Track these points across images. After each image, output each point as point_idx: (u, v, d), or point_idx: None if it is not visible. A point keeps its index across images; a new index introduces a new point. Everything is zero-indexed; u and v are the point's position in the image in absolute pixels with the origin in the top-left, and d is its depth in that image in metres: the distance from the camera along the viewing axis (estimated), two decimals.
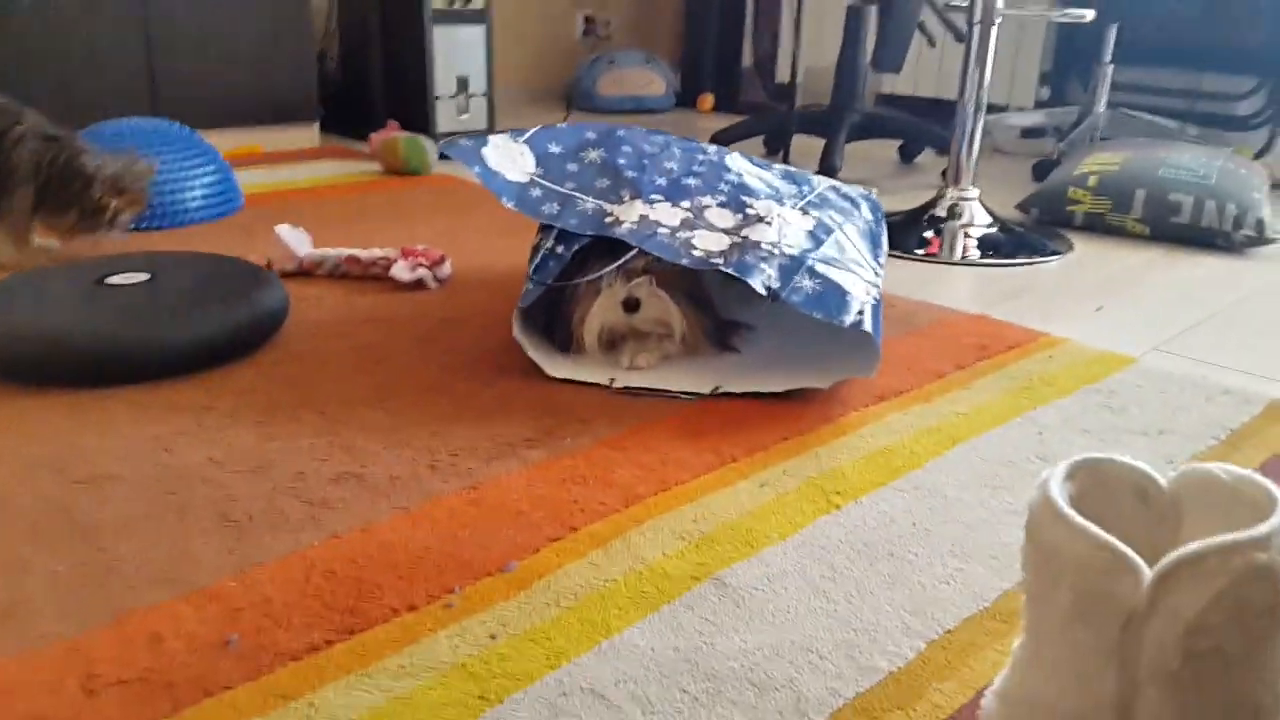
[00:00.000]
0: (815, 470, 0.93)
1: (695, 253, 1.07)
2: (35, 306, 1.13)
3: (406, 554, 0.78)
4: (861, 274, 1.11)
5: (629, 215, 1.11)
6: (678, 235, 1.09)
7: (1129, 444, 1.00)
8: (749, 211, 1.14)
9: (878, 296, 1.10)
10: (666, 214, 1.13)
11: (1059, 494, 0.53)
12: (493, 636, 0.69)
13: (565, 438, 0.99)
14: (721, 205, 1.15)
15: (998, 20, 1.69)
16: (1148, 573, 0.49)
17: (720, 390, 1.09)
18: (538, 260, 1.14)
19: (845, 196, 1.29)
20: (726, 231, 1.11)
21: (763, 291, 1.04)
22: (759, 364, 1.16)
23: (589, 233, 1.11)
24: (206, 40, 2.30)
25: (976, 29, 1.71)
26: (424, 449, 0.96)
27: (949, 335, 1.30)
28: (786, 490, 0.89)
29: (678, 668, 0.66)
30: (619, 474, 0.92)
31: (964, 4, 1.73)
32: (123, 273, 1.22)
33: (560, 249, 1.13)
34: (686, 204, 1.15)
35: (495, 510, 0.85)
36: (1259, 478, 0.52)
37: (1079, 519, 0.51)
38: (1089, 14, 1.66)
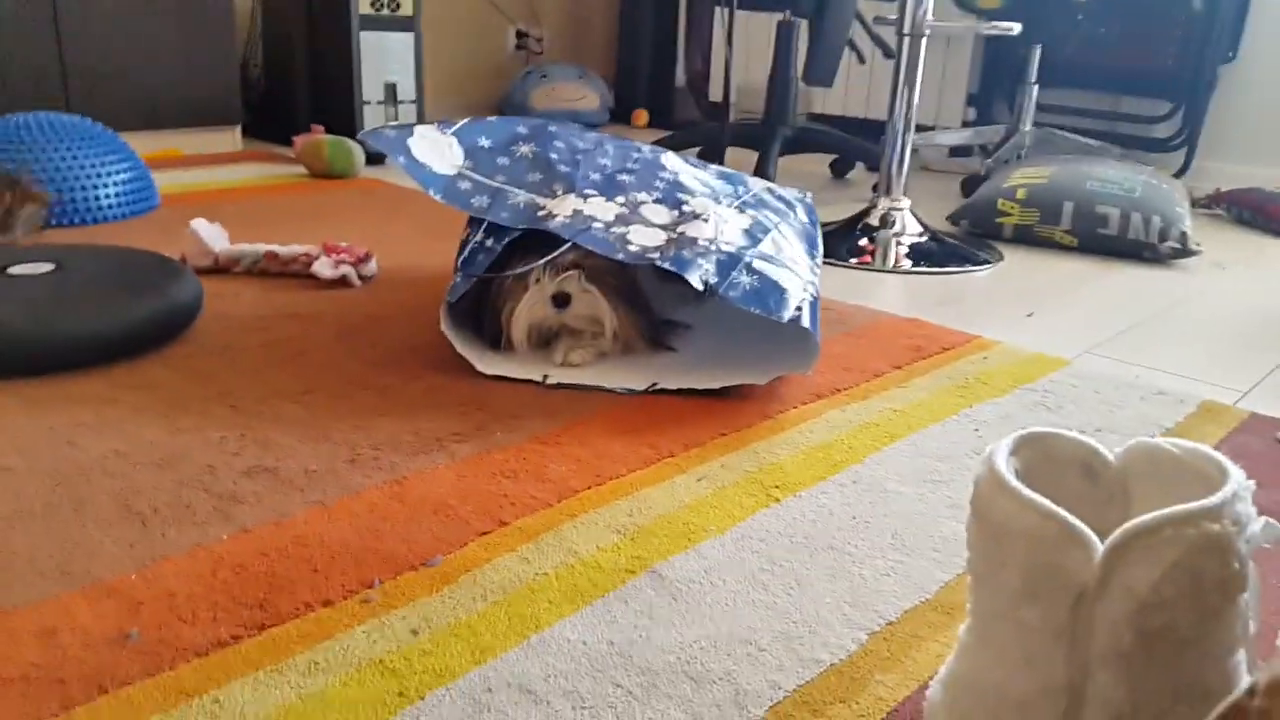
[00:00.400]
0: (754, 465, 0.90)
1: (631, 248, 1.05)
2: None
3: (322, 548, 0.74)
4: (798, 271, 1.09)
5: (562, 209, 1.08)
6: (613, 230, 1.07)
7: None
8: (685, 208, 1.12)
9: (815, 294, 1.09)
10: (601, 209, 1.10)
11: (1005, 467, 0.51)
12: (414, 632, 0.65)
13: (496, 433, 0.95)
14: (657, 202, 1.13)
15: (927, 33, 1.71)
16: (1099, 546, 0.47)
17: (656, 387, 1.06)
18: (466, 253, 1.11)
19: (780, 198, 1.28)
20: (663, 227, 1.09)
21: (700, 287, 1.01)
22: (696, 362, 1.13)
23: (521, 226, 1.07)
24: (123, 41, 2.22)
25: (906, 42, 1.73)
26: (343, 443, 0.91)
27: (884, 337, 1.29)
28: (724, 484, 0.86)
29: (611, 662, 0.63)
30: (552, 469, 0.88)
31: (893, 18, 1.75)
32: (26, 263, 1.15)
33: (490, 242, 1.10)
34: (621, 199, 1.12)
35: (419, 505, 0.81)
36: (1208, 450, 0.51)
37: (1027, 491, 0.49)
38: (1015, 26, 1.69)
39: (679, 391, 1.06)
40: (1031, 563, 0.49)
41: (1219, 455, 0.51)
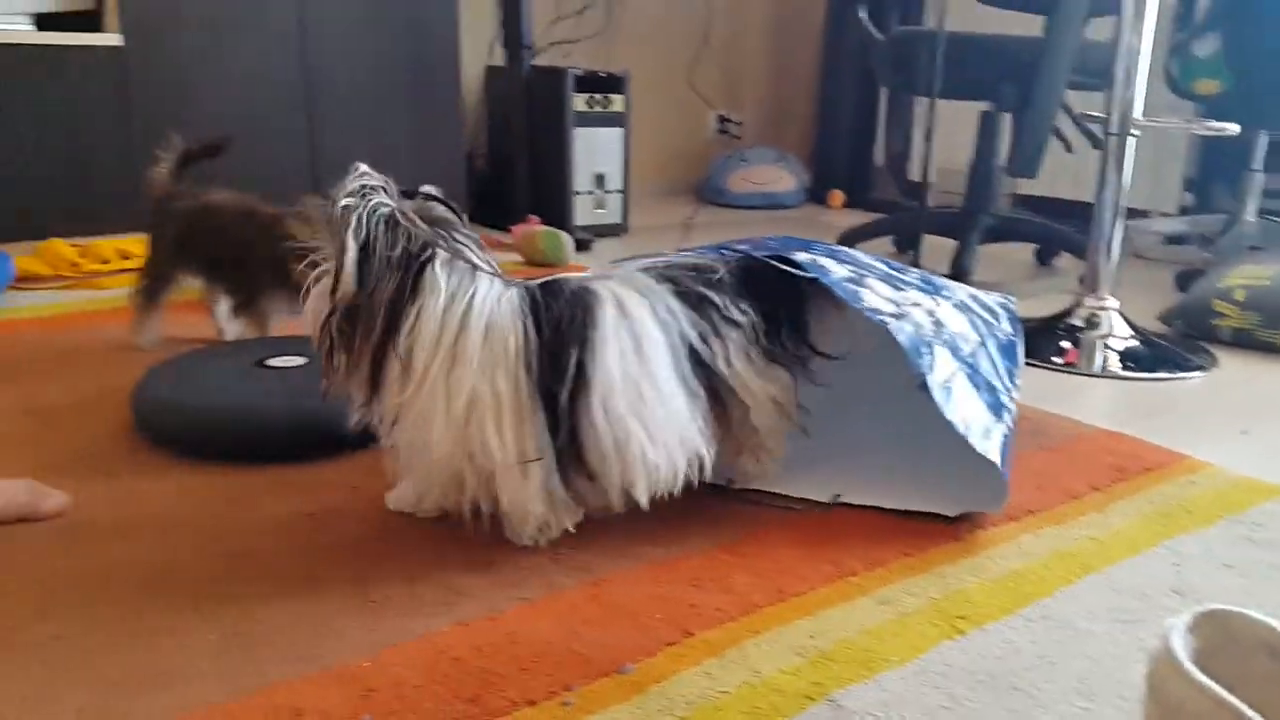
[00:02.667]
0: (939, 591, 0.92)
1: (865, 304, 1.04)
2: (200, 385, 1.22)
3: (529, 646, 0.81)
4: (1000, 398, 1.09)
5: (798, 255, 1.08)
6: (847, 284, 1.06)
7: (1275, 580, 0.96)
8: (903, 294, 1.12)
9: (1011, 425, 1.08)
10: (833, 266, 1.09)
11: (1181, 647, 0.52)
12: None
13: (684, 539, 1.01)
14: (880, 279, 1.12)
15: (1136, 133, 1.67)
16: None
17: (840, 500, 1.09)
18: None
19: (984, 306, 1.27)
20: (888, 299, 1.08)
21: (917, 374, 1.00)
22: (882, 471, 1.15)
23: (761, 255, 1.06)
24: (365, 138, 2.48)
25: (1114, 139, 1.70)
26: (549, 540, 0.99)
27: (1084, 453, 1.26)
28: (907, 610, 0.88)
29: None
30: (736, 580, 0.93)
31: (1101, 114, 1.72)
32: (281, 356, 1.32)
33: None
34: (849, 267, 1.12)
35: (614, 608, 0.88)
36: None
37: (1199, 676, 0.50)
38: (1232, 128, 1.63)
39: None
40: None
41: None
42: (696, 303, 0.99)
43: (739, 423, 1.04)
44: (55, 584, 0.90)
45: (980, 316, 1.22)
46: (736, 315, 1.00)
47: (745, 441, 1.07)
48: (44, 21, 2.23)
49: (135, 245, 2.21)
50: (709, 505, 1.08)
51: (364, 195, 0.92)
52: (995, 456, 1.02)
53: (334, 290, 0.90)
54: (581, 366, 0.92)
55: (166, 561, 0.94)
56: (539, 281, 0.97)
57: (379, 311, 0.89)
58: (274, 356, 1.32)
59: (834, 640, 0.83)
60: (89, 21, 2.27)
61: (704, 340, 0.98)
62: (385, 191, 0.94)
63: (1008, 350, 1.20)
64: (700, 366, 0.97)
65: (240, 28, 2.35)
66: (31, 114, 2.15)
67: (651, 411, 0.93)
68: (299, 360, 1.31)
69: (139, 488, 1.10)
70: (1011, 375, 1.16)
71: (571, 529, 0.99)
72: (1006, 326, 1.25)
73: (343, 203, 0.91)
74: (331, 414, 1.17)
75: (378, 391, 0.92)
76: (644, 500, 0.96)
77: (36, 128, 2.16)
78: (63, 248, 2.13)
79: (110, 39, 2.22)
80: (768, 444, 1.08)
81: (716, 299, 0.99)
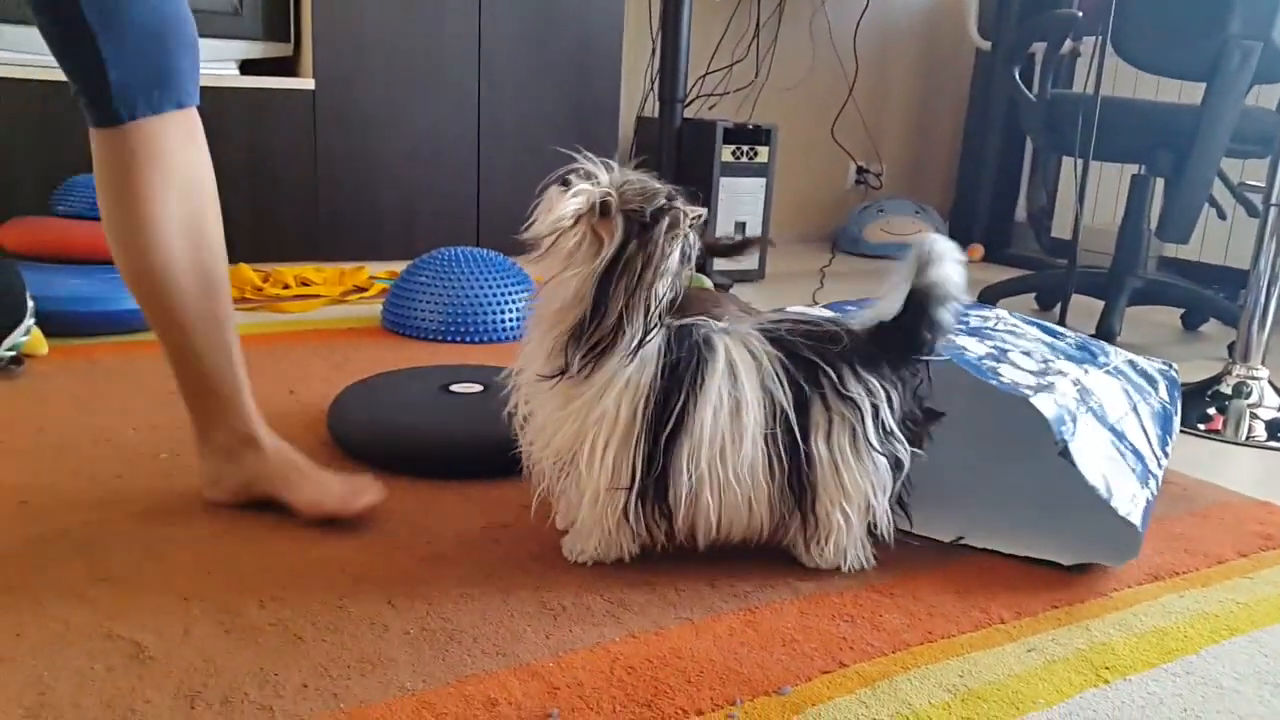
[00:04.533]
0: (1084, 643, 0.95)
1: (1003, 380, 1.08)
2: (393, 405, 1.35)
3: (693, 662, 0.89)
4: (1146, 462, 1.12)
5: None
6: (984, 362, 1.11)
7: None
8: (1051, 365, 1.17)
9: (1155, 492, 1.10)
10: (972, 345, 1.15)
11: None
12: None
13: (834, 575, 1.06)
14: (1024, 353, 1.18)
15: None
16: None
17: (962, 541, 1.13)
18: None
19: (1142, 373, 1.30)
20: (1031, 373, 1.13)
21: (1059, 437, 1.04)
22: (1005, 516, 1.17)
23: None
24: (522, 181, 2.64)
25: (1274, 211, 1.69)
26: (704, 567, 1.06)
27: (1230, 519, 1.27)
28: (1054, 658, 0.92)
29: None
30: (886, 618, 0.98)
31: (1261, 185, 1.71)
32: (462, 383, 1.44)
33: None
34: (990, 344, 1.17)
35: (769, 635, 0.94)
36: None
37: None
38: None
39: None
40: None
41: None
42: (809, 374, 1.00)
43: (816, 503, 1.02)
44: (271, 576, 1.01)
45: (1134, 383, 1.24)
46: (853, 390, 0.99)
47: (817, 524, 1.04)
48: (246, 67, 2.46)
49: (314, 273, 2.41)
50: None
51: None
52: (1137, 520, 1.05)
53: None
54: (683, 412, 0.98)
55: (364, 561, 1.05)
56: (678, 323, 1.03)
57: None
58: (456, 383, 1.44)
59: (983, 681, 0.88)
60: (286, 66, 2.50)
61: (802, 414, 1.00)
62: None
63: (1161, 418, 1.22)
64: (792, 439, 0.99)
65: (421, 78, 2.55)
66: (231, 150, 2.37)
67: (728, 471, 0.99)
68: (478, 387, 1.42)
69: None
70: (1164, 443, 1.19)
71: (628, 559, 1.06)
72: (1163, 394, 1.27)
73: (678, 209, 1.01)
74: (506, 438, 1.28)
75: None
76: (700, 544, 1.04)
77: (234, 162, 2.39)
78: (248, 272, 2.33)
79: (304, 83, 2.43)
80: (837, 543, 1.05)
81: (832, 372, 1.00)
